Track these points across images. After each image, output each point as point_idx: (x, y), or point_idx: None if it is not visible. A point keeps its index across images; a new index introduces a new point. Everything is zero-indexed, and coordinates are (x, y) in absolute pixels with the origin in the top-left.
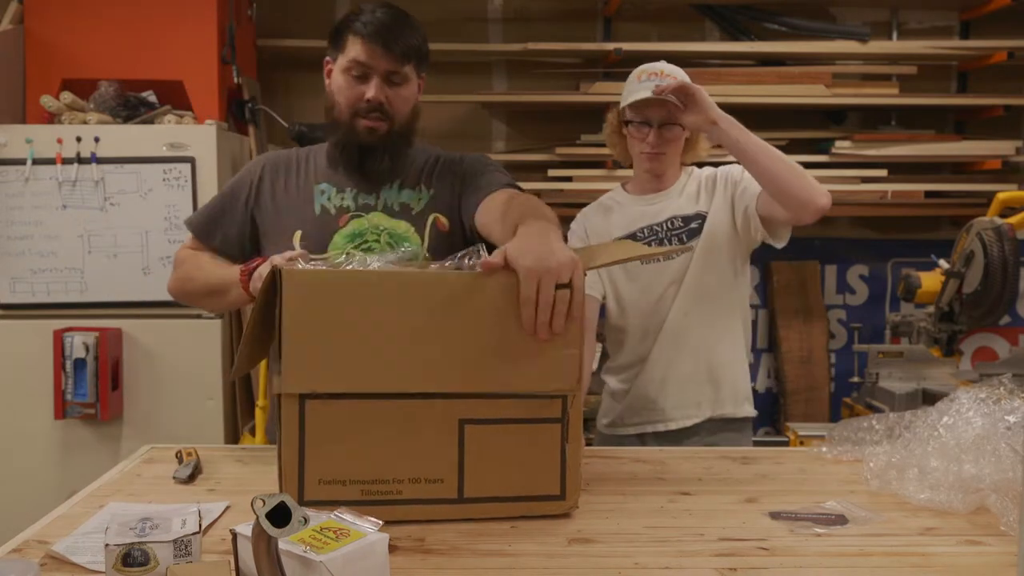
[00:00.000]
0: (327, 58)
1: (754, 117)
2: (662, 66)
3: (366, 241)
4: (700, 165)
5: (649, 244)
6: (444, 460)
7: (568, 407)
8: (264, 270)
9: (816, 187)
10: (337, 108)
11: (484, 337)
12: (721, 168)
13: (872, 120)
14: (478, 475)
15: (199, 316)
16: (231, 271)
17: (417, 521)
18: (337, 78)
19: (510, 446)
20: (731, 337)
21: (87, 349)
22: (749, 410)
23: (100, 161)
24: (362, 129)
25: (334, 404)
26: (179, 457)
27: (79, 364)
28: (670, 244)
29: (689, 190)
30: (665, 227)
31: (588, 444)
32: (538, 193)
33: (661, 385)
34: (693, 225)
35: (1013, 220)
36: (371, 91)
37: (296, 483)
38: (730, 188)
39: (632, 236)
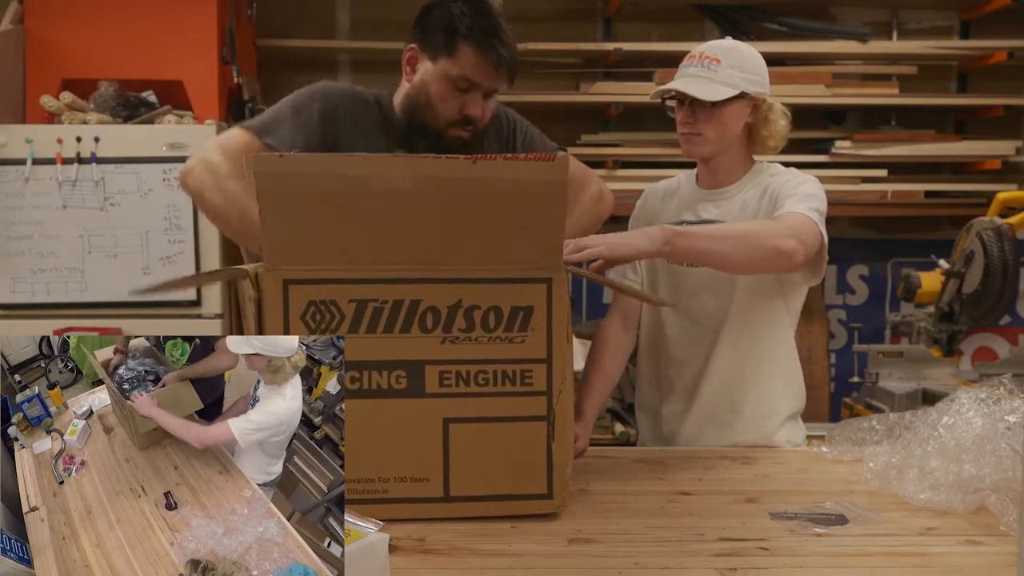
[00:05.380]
0: (414, 46)
1: None
2: (703, 48)
3: None
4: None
5: None
6: (429, 459)
7: (553, 404)
8: None
9: (775, 245)
10: (432, 112)
11: (470, 219)
12: (782, 186)
13: (872, 120)
14: (464, 474)
15: (199, 316)
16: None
17: (404, 520)
18: (436, 84)
19: (495, 445)
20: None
21: None
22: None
23: (100, 161)
24: (452, 137)
25: None
26: None
27: None
28: None
29: (749, 195)
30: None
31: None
32: None
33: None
34: None
35: (1013, 220)
36: (472, 108)
37: None
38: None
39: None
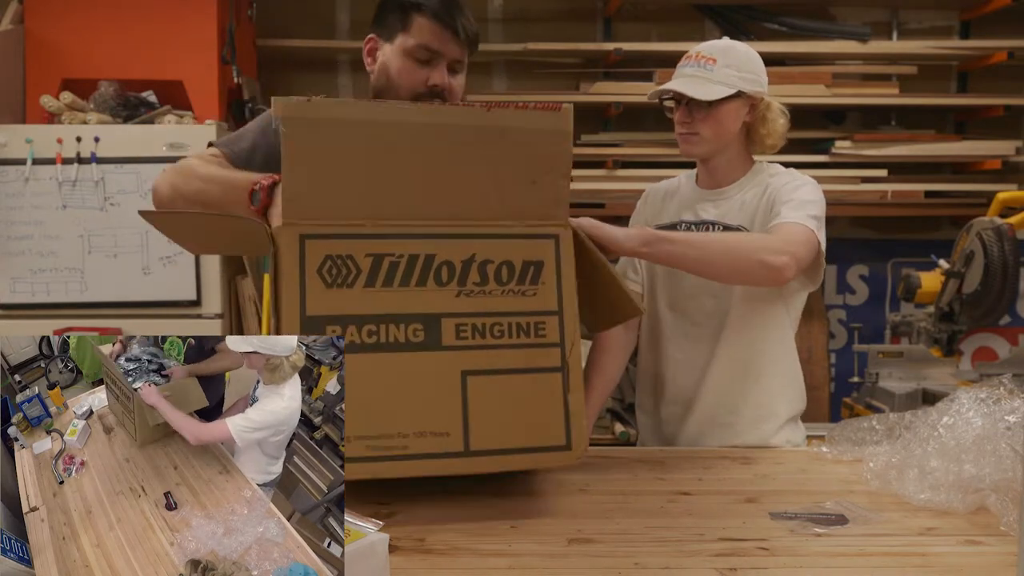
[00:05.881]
0: (371, 36)
1: None
2: (700, 48)
3: None
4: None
5: None
6: (449, 413)
7: (567, 356)
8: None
9: (763, 259)
10: (394, 91)
11: (482, 171)
12: (780, 188)
13: (872, 120)
14: (483, 427)
15: (199, 316)
16: (240, 176)
17: (426, 478)
18: (396, 60)
19: (513, 397)
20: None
21: None
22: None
23: (100, 161)
24: None
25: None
26: None
27: None
28: None
29: (748, 196)
30: (700, 232)
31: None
32: None
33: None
34: None
35: (1013, 220)
36: (438, 76)
37: None
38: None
39: (672, 228)
